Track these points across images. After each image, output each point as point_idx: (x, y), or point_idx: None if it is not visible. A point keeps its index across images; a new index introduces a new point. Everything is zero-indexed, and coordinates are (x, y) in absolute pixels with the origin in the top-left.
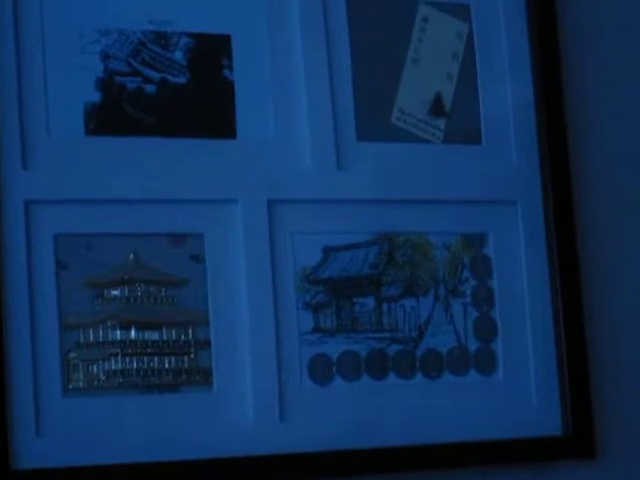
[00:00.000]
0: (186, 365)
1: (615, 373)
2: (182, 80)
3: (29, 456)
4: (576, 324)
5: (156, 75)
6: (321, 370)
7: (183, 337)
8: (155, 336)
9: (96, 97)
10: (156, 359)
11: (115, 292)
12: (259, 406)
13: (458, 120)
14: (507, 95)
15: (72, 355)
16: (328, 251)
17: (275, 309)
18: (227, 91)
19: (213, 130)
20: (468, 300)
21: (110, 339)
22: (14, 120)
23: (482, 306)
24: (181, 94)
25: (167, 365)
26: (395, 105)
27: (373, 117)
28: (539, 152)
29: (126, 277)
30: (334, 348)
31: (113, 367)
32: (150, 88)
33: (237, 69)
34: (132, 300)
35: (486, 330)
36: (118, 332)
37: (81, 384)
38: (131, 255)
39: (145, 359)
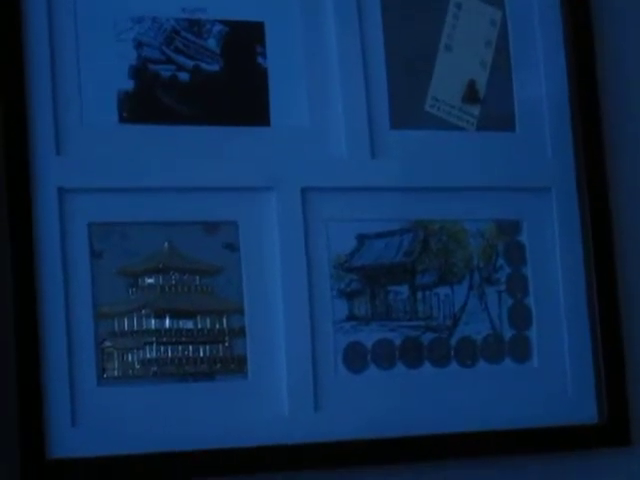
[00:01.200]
0: (221, 354)
1: None
2: (215, 68)
3: (64, 445)
4: (611, 311)
5: (190, 63)
6: (356, 358)
7: (218, 326)
8: (190, 325)
9: (130, 85)
10: (191, 348)
11: (149, 281)
12: (293, 394)
13: (492, 107)
14: (541, 82)
15: (107, 344)
16: (362, 239)
17: (309, 297)
18: (261, 79)
19: (247, 118)
20: (502, 288)
21: (145, 328)
22: (48, 108)
23: (516, 294)
24: (215, 82)
25: (202, 354)
26: (429, 92)
27: (407, 105)
28: (573, 139)
29: (160, 266)
30: (369, 336)
31: (148, 356)
32: (184, 76)
33: (271, 57)
34: (167, 289)
35: (521, 318)
36: (153, 321)
37: (116, 373)
38: (165, 244)
39: (180, 348)
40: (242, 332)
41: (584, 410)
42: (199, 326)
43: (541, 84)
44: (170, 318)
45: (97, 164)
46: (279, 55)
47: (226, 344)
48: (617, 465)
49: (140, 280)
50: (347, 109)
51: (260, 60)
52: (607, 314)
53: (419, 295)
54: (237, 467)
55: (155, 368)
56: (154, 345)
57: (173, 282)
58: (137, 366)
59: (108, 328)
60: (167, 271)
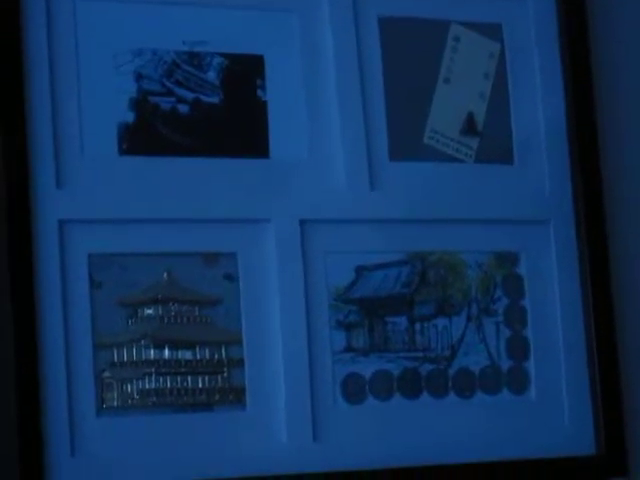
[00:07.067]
0: (219, 384)
1: None
2: (215, 100)
3: (63, 475)
4: (608, 343)
5: (189, 95)
6: (354, 389)
7: (216, 356)
8: (189, 355)
9: (130, 117)
10: (189, 378)
11: (149, 311)
12: (292, 425)
13: (490, 139)
14: (539, 114)
15: (106, 374)
16: (361, 270)
17: (308, 328)
18: (260, 111)
19: (246, 150)
20: (500, 319)
21: (144, 358)
22: (48, 140)
23: (514, 325)
24: (214, 114)
25: (200, 384)
26: (427, 125)
27: (406, 137)
28: (571, 171)
29: (160, 296)
30: (367, 367)
31: (147, 386)
32: (183, 108)
33: (270, 89)
34: (166, 319)
35: (518, 349)
36: (152, 351)
37: (115, 403)
38: (165, 274)
39: (179, 378)
40: (241, 362)
41: (581, 441)
42: (198, 357)
43: (539, 116)
44: (169, 349)
45: (97, 196)
46: (278, 88)
47: (225, 375)
48: None
49: (139, 311)
50: (346, 141)
51: (260, 93)
52: (604, 345)
53: (417, 326)
54: None
55: (154, 398)
56: (153, 375)
57: (172, 313)
58: (136, 396)
59: (107, 358)
60: (166, 302)
